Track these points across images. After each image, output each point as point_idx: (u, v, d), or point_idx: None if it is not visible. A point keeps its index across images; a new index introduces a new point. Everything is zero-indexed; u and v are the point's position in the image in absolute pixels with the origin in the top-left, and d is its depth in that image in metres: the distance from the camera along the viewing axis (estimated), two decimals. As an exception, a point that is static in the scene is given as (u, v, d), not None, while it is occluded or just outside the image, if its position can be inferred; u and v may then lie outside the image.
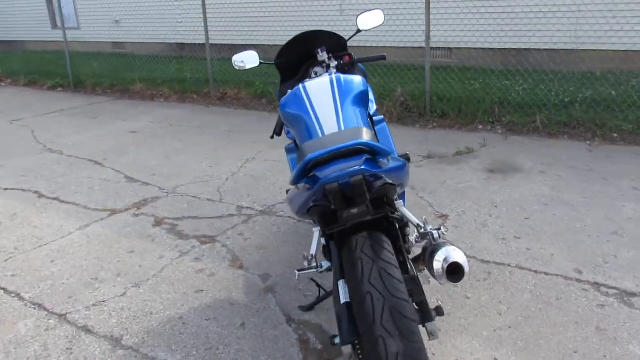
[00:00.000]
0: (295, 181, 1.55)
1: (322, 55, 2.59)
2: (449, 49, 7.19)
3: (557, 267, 2.64)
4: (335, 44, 2.66)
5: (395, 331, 1.41)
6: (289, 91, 2.40)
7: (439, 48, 7.16)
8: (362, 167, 1.51)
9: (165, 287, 2.66)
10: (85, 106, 7.46)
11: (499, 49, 6.71)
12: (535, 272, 2.62)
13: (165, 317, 2.41)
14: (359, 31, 2.74)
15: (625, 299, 2.37)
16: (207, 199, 3.76)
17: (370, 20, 2.69)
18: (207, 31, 6.95)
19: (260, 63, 2.79)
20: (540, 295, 2.43)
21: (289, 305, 2.46)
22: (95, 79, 8.68)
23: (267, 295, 2.55)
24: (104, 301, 2.57)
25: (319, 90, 2.18)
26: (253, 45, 8.16)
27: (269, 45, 7.91)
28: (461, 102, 5.56)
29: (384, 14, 2.70)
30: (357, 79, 2.25)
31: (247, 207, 3.58)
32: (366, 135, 1.62)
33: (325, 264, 2.09)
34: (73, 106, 7.49)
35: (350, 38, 2.75)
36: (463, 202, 3.48)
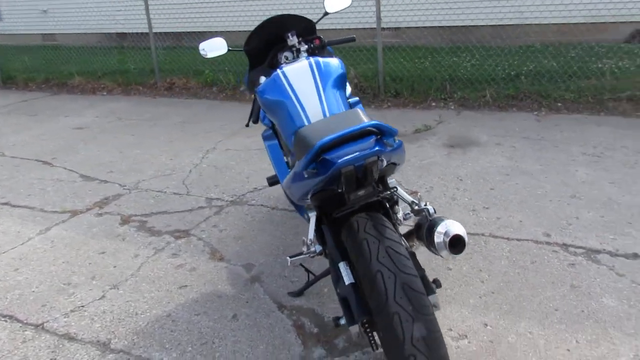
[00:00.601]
0: (305, 166, 1.54)
1: (292, 40, 2.56)
2: (397, 28, 7.28)
3: (527, 233, 2.78)
4: (303, 27, 2.63)
5: (409, 306, 1.45)
6: (262, 77, 2.37)
7: (387, 28, 7.23)
8: (377, 149, 1.52)
9: (146, 285, 2.59)
10: (19, 103, 7.02)
11: (447, 26, 6.87)
12: (508, 239, 2.74)
13: (153, 316, 2.35)
14: (326, 14, 2.72)
15: (592, 256, 2.53)
16: (173, 193, 3.67)
17: (336, 2, 2.68)
18: (149, 19, 6.69)
19: (229, 50, 2.72)
20: (516, 260, 2.55)
21: (278, 293, 2.46)
22: (27, 74, 8.17)
23: (253, 284, 2.54)
24: (82, 306, 2.47)
25: (299, 75, 2.17)
26: (200, 32, 7.96)
27: (217, 31, 7.71)
28: (413, 80, 5.67)
29: (351, -4, 2.69)
30: (334, 62, 2.25)
31: (217, 198, 3.53)
32: (365, 118, 1.63)
33: (318, 249, 2.11)
34: (6, 103, 7.03)
35: (318, 21, 2.73)
36: (429, 178, 3.57)
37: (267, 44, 2.73)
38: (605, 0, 6.09)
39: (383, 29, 5.68)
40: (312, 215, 1.90)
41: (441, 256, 1.69)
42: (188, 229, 3.14)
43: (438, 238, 1.63)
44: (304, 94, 2.14)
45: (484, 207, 3.11)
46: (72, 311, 2.43)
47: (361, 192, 1.64)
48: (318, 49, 2.63)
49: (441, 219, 1.69)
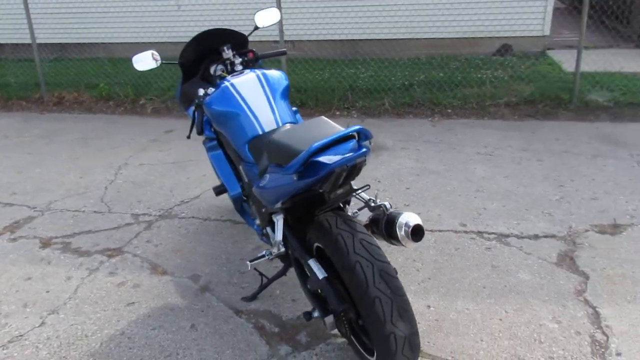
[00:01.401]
0: (296, 169, 1.65)
1: (228, 53, 2.64)
2: (292, 42, 7.53)
3: (447, 224, 3.13)
4: (237, 41, 2.72)
5: (387, 289, 1.64)
6: (200, 90, 2.42)
7: (289, 41, 7.47)
8: (365, 150, 1.68)
9: (88, 307, 2.50)
10: None
11: (340, 40, 7.27)
12: (432, 231, 3.06)
13: (105, 336, 2.28)
14: (256, 28, 2.84)
15: (503, 240, 2.93)
16: (93, 212, 3.51)
17: (266, 17, 2.81)
18: (32, 29, 6.22)
19: (162, 63, 2.72)
20: (442, 249, 2.87)
21: (231, 299, 2.51)
22: None
23: (204, 294, 2.57)
24: (21, 335, 2.32)
25: (249, 87, 2.27)
26: (89, 43, 7.55)
27: (109, 43, 7.38)
28: (317, 91, 5.93)
29: (280, 12, 2.84)
30: (279, 74, 2.39)
31: (143, 214, 3.45)
32: (335, 124, 1.79)
33: (275, 250, 2.22)
34: None
35: (249, 34, 2.84)
36: (351, 181, 3.82)
37: (199, 56, 2.78)
38: (482, 18, 6.90)
39: (286, 41, 5.87)
40: (280, 218, 2.00)
41: (403, 245, 1.89)
42: (119, 246, 3.05)
43: (401, 230, 1.84)
44: (255, 104, 2.25)
45: (405, 204, 3.42)
46: (10, 342, 2.27)
47: (340, 191, 1.80)
48: (252, 62, 2.74)
49: (399, 213, 1.90)
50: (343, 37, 7.22)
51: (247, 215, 2.64)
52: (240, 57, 2.70)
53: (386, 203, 1.98)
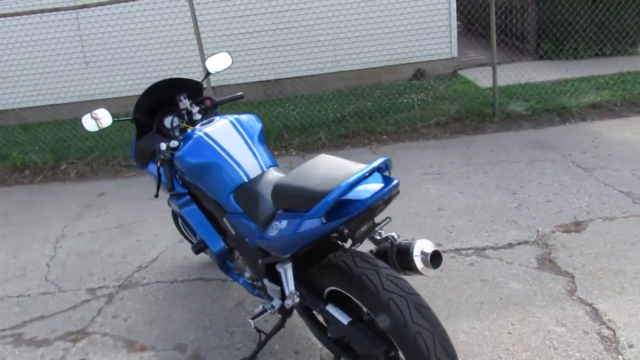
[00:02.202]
0: (325, 211, 1.54)
1: (185, 103, 2.51)
2: (218, 87, 7.42)
3: (423, 247, 3.12)
4: (191, 89, 2.60)
5: (426, 323, 1.57)
6: (162, 144, 2.26)
7: (216, 87, 7.34)
8: (397, 182, 1.61)
9: (66, 404, 2.18)
10: None
11: (267, 80, 7.27)
12: (411, 256, 3.04)
13: None
14: (208, 74, 2.73)
15: (481, 253, 2.98)
16: (40, 293, 3.13)
17: (218, 62, 2.71)
18: None
19: (114, 121, 2.52)
20: (428, 272, 2.84)
21: (229, 363, 2.31)
22: None
23: (197, 363, 2.34)
24: None
25: (225, 134, 2.16)
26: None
27: (19, 109, 6.83)
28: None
29: (231, 56, 2.76)
30: (251, 118, 2.29)
31: (100, 287, 3.13)
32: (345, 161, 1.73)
33: (276, 303, 2.08)
34: None
35: (202, 81, 2.72)
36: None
37: (152, 110, 2.62)
38: (397, 47, 7.23)
39: (213, 87, 5.76)
40: (288, 267, 1.87)
41: (420, 274, 1.83)
42: (82, 327, 2.72)
43: (418, 259, 1.78)
44: (235, 152, 2.13)
45: (377, 230, 3.37)
46: None
47: (364, 228, 1.71)
48: (209, 109, 2.62)
49: (410, 242, 1.85)
50: (270, 78, 7.23)
51: (232, 271, 2.47)
52: (197, 105, 2.58)
53: (393, 234, 1.93)
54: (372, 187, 1.57)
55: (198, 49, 5.38)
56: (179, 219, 3.11)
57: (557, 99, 5.77)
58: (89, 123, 2.43)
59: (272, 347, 2.37)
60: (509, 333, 2.27)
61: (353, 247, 1.84)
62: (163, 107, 2.64)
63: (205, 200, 2.28)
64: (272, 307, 2.13)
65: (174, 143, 2.30)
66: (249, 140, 2.20)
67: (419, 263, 1.77)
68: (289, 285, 1.86)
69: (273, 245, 1.76)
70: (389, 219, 1.86)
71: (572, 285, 2.56)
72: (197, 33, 5.31)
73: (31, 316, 2.89)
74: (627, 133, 4.82)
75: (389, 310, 1.59)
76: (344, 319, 1.76)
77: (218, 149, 2.12)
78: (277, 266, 1.94)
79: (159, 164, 2.33)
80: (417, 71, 7.53)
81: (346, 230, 1.69)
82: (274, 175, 2.12)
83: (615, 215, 3.21)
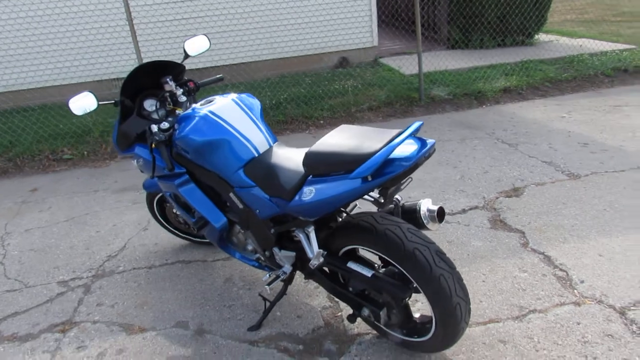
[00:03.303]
0: (372, 170, 1.69)
1: (171, 85, 2.54)
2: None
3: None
4: (175, 71, 2.63)
5: (446, 266, 1.83)
6: (153, 126, 2.31)
7: (115, 79, 7.09)
8: (434, 142, 1.80)
9: (78, 388, 2.16)
10: None
11: (190, 69, 7.17)
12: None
13: (123, 410, 2.02)
14: (187, 56, 2.76)
15: (441, 220, 3.31)
16: (5, 291, 2.98)
17: (196, 45, 2.76)
18: None
19: (99, 104, 2.50)
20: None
21: (237, 333, 2.42)
22: None
23: (204, 337, 2.42)
24: None
25: (231, 112, 2.25)
26: None
27: None
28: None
29: (209, 39, 2.81)
30: (251, 97, 2.40)
31: (72, 279, 3.04)
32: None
33: (287, 269, 2.24)
34: None
35: (182, 62, 2.75)
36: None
37: (133, 93, 2.62)
38: (322, 35, 7.46)
39: None
40: (312, 231, 2.03)
41: (427, 229, 2.06)
42: (67, 319, 2.67)
43: (426, 215, 2.01)
44: (244, 128, 2.23)
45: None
46: None
47: (394, 187, 1.91)
48: (193, 92, 2.68)
49: (415, 202, 2.08)
50: (192, 67, 7.14)
51: (229, 246, 2.56)
52: (181, 87, 2.62)
53: (397, 197, 2.15)
54: (411, 147, 1.77)
55: (131, 35, 5.22)
56: (156, 204, 3.11)
57: (473, 84, 6.36)
58: (76, 106, 2.39)
59: (275, 315, 2.51)
60: (483, 281, 2.61)
61: (382, 208, 2.02)
62: (143, 91, 2.64)
63: (206, 178, 2.35)
64: (284, 272, 2.28)
65: (165, 124, 2.35)
66: (253, 117, 2.31)
67: (427, 219, 2.01)
68: (314, 246, 2.02)
69: (306, 209, 1.91)
70: (411, 179, 2.08)
71: (524, 239, 2.97)
72: (130, 19, 5.15)
73: (3, 314, 2.76)
74: (536, 113, 5.47)
75: (415, 258, 1.81)
76: (368, 272, 1.96)
77: (226, 126, 2.21)
78: (296, 231, 2.09)
79: (153, 145, 2.36)
80: (343, 59, 7.83)
81: (385, 188, 1.87)
82: (284, 149, 2.25)
83: (544, 181, 3.72)
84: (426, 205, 2.04)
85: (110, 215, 3.90)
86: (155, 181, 2.94)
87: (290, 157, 2.12)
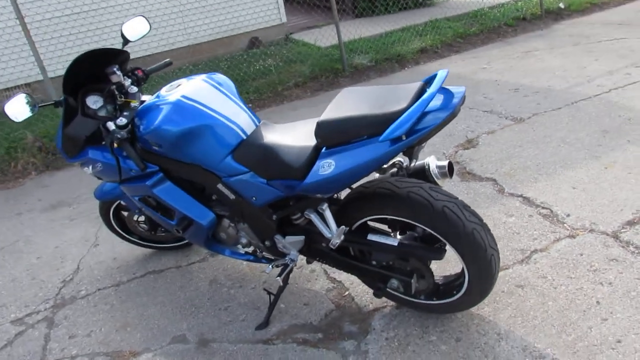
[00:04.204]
0: (406, 129, 1.55)
1: (119, 76, 2.22)
2: (29, 84, 6.45)
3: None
4: (119, 60, 2.30)
5: (476, 219, 1.77)
6: (110, 124, 2.04)
7: (14, 87, 6.32)
8: (465, 88, 1.68)
9: None
10: None
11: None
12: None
13: None
14: (127, 42, 2.43)
15: (410, 181, 3.28)
16: (-53, 345, 2.51)
17: (135, 28, 2.43)
18: None
19: (39, 106, 2.13)
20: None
21: (245, 334, 2.22)
22: None
23: (210, 346, 2.20)
24: None
25: (208, 94, 2.02)
26: None
27: None
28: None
29: (148, 22, 2.49)
30: (222, 76, 2.17)
31: (27, 315, 2.64)
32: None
33: (294, 255, 2.09)
34: None
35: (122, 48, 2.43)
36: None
37: (73, 90, 2.27)
38: (230, 17, 7.13)
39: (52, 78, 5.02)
40: (326, 208, 1.88)
41: (440, 184, 1.97)
42: (40, 359, 2.30)
43: (435, 172, 1.92)
44: (225, 110, 2.01)
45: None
46: None
47: (417, 147, 1.79)
48: (142, 81, 2.38)
49: (421, 161, 1.98)
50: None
51: (217, 244, 2.33)
52: (129, 77, 2.31)
53: (400, 159, 2.05)
54: (438, 98, 1.66)
55: (25, 36, 4.61)
56: (112, 214, 2.77)
57: (391, 49, 6.41)
58: (14, 112, 2.02)
59: (279, 308, 2.34)
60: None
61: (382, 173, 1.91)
62: (82, 86, 2.29)
63: (186, 173, 2.10)
64: (292, 260, 2.10)
65: (122, 120, 2.06)
66: (232, 97, 2.08)
67: (438, 176, 1.93)
68: (332, 225, 1.87)
69: (326, 184, 1.74)
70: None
71: (497, 185, 3.02)
72: (20, 16, 4.53)
73: (-46, 370, 2.33)
74: (458, 68, 5.63)
75: (446, 216, 1.73)
76: (393, 241, 1.85)
77: (205, 109, 1.96)
78: (306, 212, 1.93)
79: (116, 145, 2.06)
80: (254, 39, 7.56)
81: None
82: (275, 126, 2.06)
83: (493, 129, 3.82)
84: (434, 162, 1.96)
85: (46, 237, 3.44)
86: (110, 187, 2.61)
87: (288, 132, 1.94)
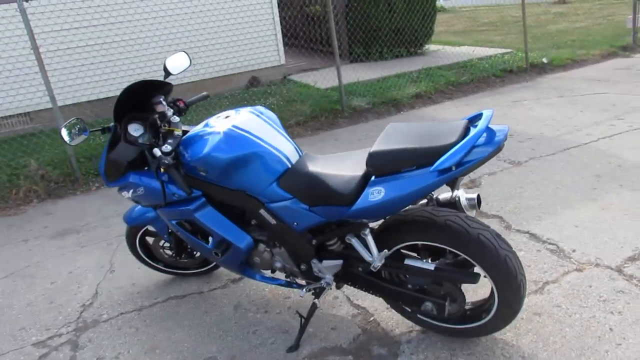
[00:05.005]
0: (457, 160, 1.71)
1: (164, 105, 2.37)
2: (27, 113, 6.52)
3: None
4: (163, 91, 2.45)
5: (508, 247, 1.93)
6: (156, 150, 2.15)
7: (15, 115, 6.38)
8: (508, 127, 1.85)
9: None
10: None
11: (99, 99, 6.66)
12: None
13: None
14: (169, 74, 2.58)
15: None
16: (-31, 365, 2.51)
17: (177, 63, 2.60)
18: None
19: (90, 131, 2.25)
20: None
21: (278, 357, 2.30)
22: None
23: (242, 368, 2.26)
24: None
25: (256, 125, 2.17)
26: None
27: None
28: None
29: (189, 56, 2.67)
30: (264, 109, 2.32)
31: (50, 337, 2.65)
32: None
33: (329, 279, 2.20)
34: None
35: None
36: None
37: (120, 118, 2.41)
38: (232, 57, 7.38)
39: (10, 116, 5.09)
40: (369, 233, 2.01)
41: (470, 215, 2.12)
42: (66, 380, 2.32)
43: (466, 205, 2.08)
44: (273, 140, 2.15)
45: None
46: None
47: (461, 178, 1.95)
48: (183, 112, 2.53)
49: (450, 194, 2.14)
50: (106, 96, 6.66)
51: (249, 269, 2.43)
52: (171, 108, 2.46)
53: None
54: (483, 135, 1.83)
55: (38, 65, 4.72)
56: (139, 240, 2.85)
57: (387, 93, 6.71)
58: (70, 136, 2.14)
59: (307, 331, 2.42)
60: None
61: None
62: (126, 115, 2.42)
63: (229, 198, 2.21)
64: (328, 283, 2.21)
65: (167, 147, 2.18)
66: (277, 128, 2.23)
67: (467, 208, 2.09)
68: (373, 249, 2.00)
69: (374, 210, 1.87)
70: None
71: (504, 222, 3.20)
72: (35, 47, 4.66)
73: (-20, 390, 2.32)
74: (452, 113, 5.94)
75: (482, 243, 1.89)
76: (429, 266, 1.99)
77: (255, 139, 2.10)
78: (347, 237, 2.05)
79: (162, 170, 2.18)
80: (253, 79, 7.80)
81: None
82: (320, 156, 2.21)
83: (493, 170, 4.04)
84: (464, 195, 2.13)
85: (58, 263, 3.47)
86: (140, 213, 2.70)
87: (332, 163, 2.09)
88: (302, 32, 9.48)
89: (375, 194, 1.87)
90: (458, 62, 7.86)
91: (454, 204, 2.10)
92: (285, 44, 8.23)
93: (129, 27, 6.75)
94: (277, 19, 7.78)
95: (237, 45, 7.46)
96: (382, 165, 1.88)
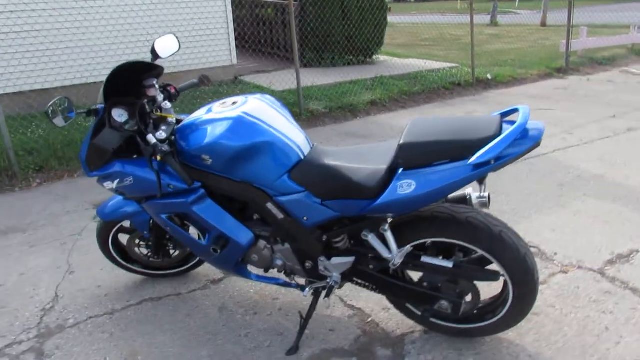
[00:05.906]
0: (498, 152, 1.66)
1: (156, 89, 2.19)
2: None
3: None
4: (154, 74, 2.26)
5: (526, 245, 1.94)
6: (150, 137, 1.99)
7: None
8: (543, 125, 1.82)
9: None
10: None
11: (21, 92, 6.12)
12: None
13: None
14: (157, 58, 2.39)
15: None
16: None
17: (166, 46, 2.41)
18: None
19: (77, 113, 2.02)
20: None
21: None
22: None
23: (240, 374, 2.10)
24: None
25: (267, 112, 2.05)
26: None
27: None
28: (56, 149, 4.95)
29: (178, 40, 2.49)
30: (270, 96, 2.20)
31: (9, 345, 2.34)
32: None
33: (337, 277, 2.11)
34: None
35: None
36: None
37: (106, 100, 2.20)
38: (179, 53, 7.08)
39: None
40: (388, 229, 1.93)
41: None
42: (35, 393, 2.05)
43: (476, 202, 2.07)
44: (284, 128, 2.03)
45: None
46: None
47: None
48: (174, 97, 2.36)
49: (462, 192, 2.11)
50: (22, 89, 6.13)
51: (243, 268, 2.27)
52: (162, 92, 2.28)
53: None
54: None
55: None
56: (111, 238, 2.60)
57: (343, 98, 6.72)
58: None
59: (305, 333, 2.30)
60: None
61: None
62: (113, 97, 2.20)
63: (233, 190, 2.05)
64: (335, 282, 2.11)
65: (161, 134, 2.01)
66: (287, 117, 2.11)
67: (478, 207, 2.08)
68: (393, 245, 1.93)
69: (403, 204, 1.79)
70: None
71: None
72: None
73: None
74: (407, 121, 6.01)
75: (504, 241, 1.87)
76: (448, 263, 1.95)
77: (268, 127, 1.97)
78: (363, 233, 1.97)
79: (158, 158, 1.99)
80: (203, 77, 7.51)
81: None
82: (335, 148, 2.10)
83: (461, 176, 4.11)
84: (475, 194, 2.11)
85: (5, 264, 3.10)
86: (117, 207, 2.46)
87: (348, 155, 2.00)
88: (253, 35, 9.31)
89: (405, 187, 1.80)
90: (409, 73, 8.03)
91: (464, 201, 2.08)
92: (235, 46, 8.03)
93: (72, 14, 6.31)
94: (231, 16, 7.59)
95: (188, 41, 7.17)
96: (413, 158, 1.81)
